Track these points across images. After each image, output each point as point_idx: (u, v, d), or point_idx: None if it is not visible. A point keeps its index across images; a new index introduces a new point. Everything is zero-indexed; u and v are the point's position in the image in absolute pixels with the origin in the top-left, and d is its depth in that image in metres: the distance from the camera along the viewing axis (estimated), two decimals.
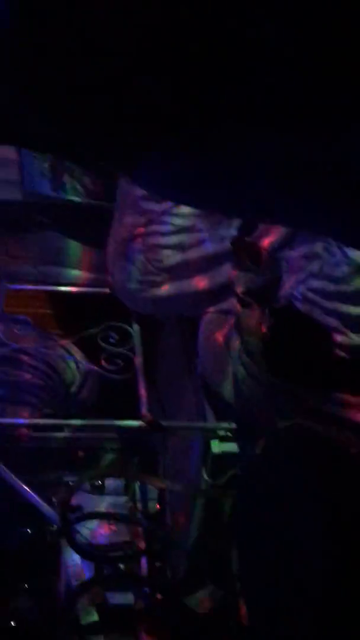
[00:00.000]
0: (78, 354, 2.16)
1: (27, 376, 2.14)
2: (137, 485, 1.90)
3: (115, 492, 2.07)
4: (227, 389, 1.72)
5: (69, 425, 1.78)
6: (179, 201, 1.02)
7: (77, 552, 1.58)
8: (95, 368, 1.87)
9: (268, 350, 1.38)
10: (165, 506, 2.05)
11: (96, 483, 2.07)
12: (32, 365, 2.15)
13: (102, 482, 2.07)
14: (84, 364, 2.11)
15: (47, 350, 2.10)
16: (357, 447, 1.29)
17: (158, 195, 1.20)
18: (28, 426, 1.69)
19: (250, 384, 1.45)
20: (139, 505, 1.90)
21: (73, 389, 2.21)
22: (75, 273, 2.31)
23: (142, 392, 1.76)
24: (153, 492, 1.98)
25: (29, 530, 1.80)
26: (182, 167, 0.59)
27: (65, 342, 2.08)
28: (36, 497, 1.67)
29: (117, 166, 0.73)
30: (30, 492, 1.67)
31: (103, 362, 1.86)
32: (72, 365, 2.19)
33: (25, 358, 2.10)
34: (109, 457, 2.00)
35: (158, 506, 2.03)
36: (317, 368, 1.33)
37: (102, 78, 0.55)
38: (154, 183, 0.67)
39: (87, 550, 1.61)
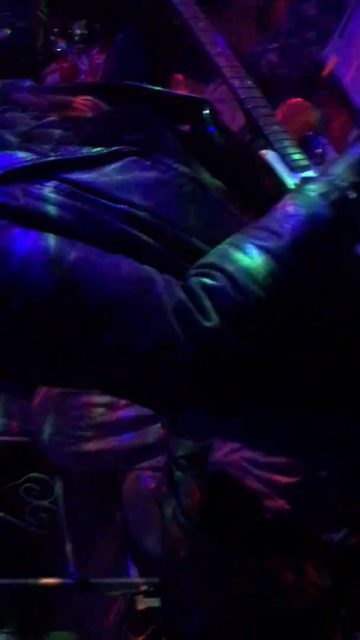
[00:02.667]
0: None
1: None
2: None
3: None
4: (154, 544, 1.80)
5: None
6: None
7: None
8: (19, 523, 1.87)
9: (204, 512, 1.50)
10: None
11: None
12: None
13: None
14: None
15: None
16: (293, 602, 1.41)
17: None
18: None
19: (186, 543, 1.55)
20: None
21: None
22: (3, 422, 2.34)
23: (68, 548, 1.79)
24: None
25: None
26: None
27: None
28: None
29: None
30: None
31: (27, 516, 1.88)
32: None
33: None
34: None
35: None
36: (249, 530, 1.47)
37: None
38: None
39: None
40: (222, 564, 1.52)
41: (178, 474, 1.62)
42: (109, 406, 1.87)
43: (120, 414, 1.86)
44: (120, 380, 0.76)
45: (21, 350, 0.74)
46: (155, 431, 1.82)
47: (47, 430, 1.97)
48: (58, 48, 2.18)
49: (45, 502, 1.93)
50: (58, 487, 2.00)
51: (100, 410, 1.87)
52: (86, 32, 2.22)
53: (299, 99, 1.47)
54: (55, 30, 2.41)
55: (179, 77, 1.49)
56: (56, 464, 2.01)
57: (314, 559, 1.32)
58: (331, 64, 1.59)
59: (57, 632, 1.75)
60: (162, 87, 0.98)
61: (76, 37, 2.31)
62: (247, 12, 1.58)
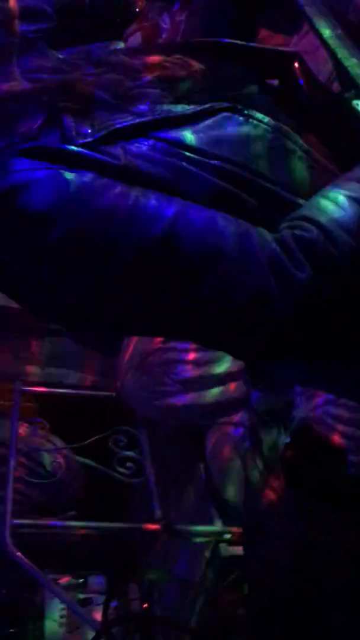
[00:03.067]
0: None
1: (16, 473, 2.22)
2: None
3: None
4: (234, 495, 1.86)
5: (83, 527, 1.88)
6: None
7: None
8: (111, 472, 1.98)
9: (287, 466, 1.55)
10: (153, 603, 2.14)
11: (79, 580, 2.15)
12: (23, 464, 2.24)
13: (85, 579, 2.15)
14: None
15: (44, 450, 2.20)
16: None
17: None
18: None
19: (267, 494, 1.60)
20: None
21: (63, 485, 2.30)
22: (80, 375, 2.45)
23: (155, 496, 1.89)
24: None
25: None
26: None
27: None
28: None
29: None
30: None
31: (115, 466, 1.98)
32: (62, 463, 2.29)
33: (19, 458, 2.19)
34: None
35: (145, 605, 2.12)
36: (333, 485, 1.50)
37: None
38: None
39: None
40: (303, 515, 1.56)
41: (262, 428, 1.67)
42: (193, 363, 1.92)
43: (204, 370, 1.91)
44: (218, 329, 0.80)
45: (124, 297, 0.78)
46: (238, 387, 1.87)
47: (134, 385, 2.05)
48: (137, 4, 2.17)
49: (132, 453, 2.03)
50: (144, 439, 2.09)
51: (184, 366, 1.93)
52: None
53: None
54: None
55: (261, 30, 1.47)
56: (142, 417, 2.10)
57: None
58: None
59: (152, 570, 1.86)
60: (249, 41, 0.98)
61: None
62: None
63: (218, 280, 0.75)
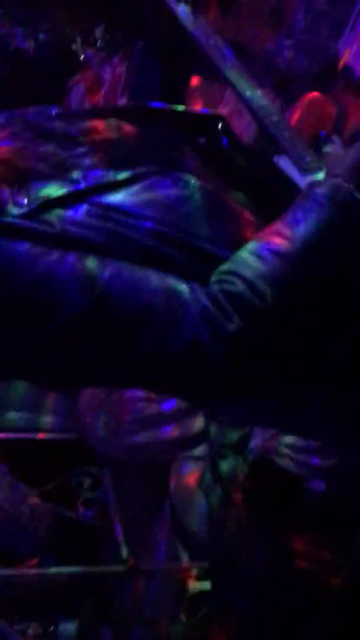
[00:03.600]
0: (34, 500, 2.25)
1: None
2: None
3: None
4: (200, 528, 1.87)
5: (51, 572, 1.86)
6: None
7: None
8: (75, 515, 1.97)
9: (247, 497, 1.57)
10: None
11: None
12: None
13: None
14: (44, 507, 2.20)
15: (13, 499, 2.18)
16: (330, 580, 1.47)
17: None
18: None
19: (231, 526, 1.62)
20: None
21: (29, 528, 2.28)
22: (40, 418, 2.44)
23: (120, 536, 1.88)
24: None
25: None
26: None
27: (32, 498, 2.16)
28: None
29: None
30: None
31: (80, 508, 1.97)
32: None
33: None
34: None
35: None
36: (291, 512, 1.54)
37: None
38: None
39: None
40: (266, 544, 1.59)
41: (221, 461, 1.70)
42: (151, 400, 1.95)
43: (162, 406, 1.94)
44: (159, 379, 0.84)
45: (67, 357, 0.82)
46: (197, 421, 1.89)
47: (96, 425, 2.06)
48: (81, 57, 2.25)
49: (95, 494, 2.03)
50: (107, 479, 2.09)
51: (143, 404, 1.95)
52: (108, 38, 2.27)
53: (317, 93, 1.51)
54: (77, 38, 2.47)
55: (196, 81, 1.54)
56: (105, 457, 2.10)
57: (350, 539, 1.38)
58: (345, 56, 1.62)
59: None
60: (179, 98, 1.05)
61: (98, 45, 2.37)
62: (259, 11, 1.62)
63: (153, 337, 0.79)
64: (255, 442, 1.65)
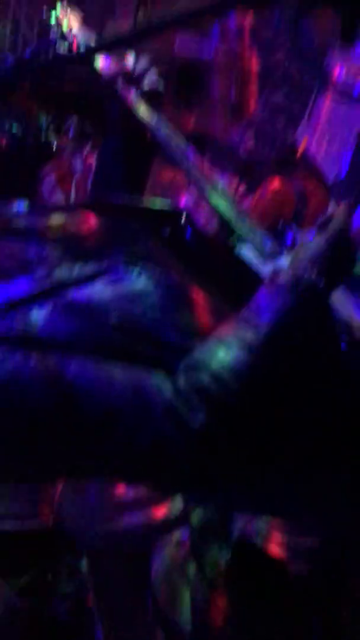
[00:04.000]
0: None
1: None
2: None
3: None
4: (184, 619, 1.81)
5: None
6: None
7: None
8: (52, 609, 1.89)
9: (230, 584, 1.53)
10: None
11: None
12: None
13: None
14: None
15: None
16: None
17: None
18: None
19: (215, 613, 1.57)
20: None
21: None
22: (11, 507, 2.36)
23: (100, 630, 1.80)
24: None
25: None
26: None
27: None
28: None
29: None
30: None
31: (57, 601, 1.89)
32: None
33: None
34: None
35: None
36: (277, 598, 1.49)
37: None
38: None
39: None
40: (252, 631, 1.53)
41: (202, 547, 1.66)
42: (127, 485, 1.91)
43: (138, 491, 1.90)
44: (129, 472, 0.83)
45: (38, 454, 0.81)
46: (176, 505, 1.86)
47: (72, 514, 2.01)
48: (52, 147, 2.34)
49: (72, 587, 1.95)
50: (86, 569, 2.02)
51: (120, 489, 1.91)
52: (79, 129, 2.36)
53: (278, 180, 1.58)
54: (49, 128, 2.56)
55: (167, 172, 1.60)
56: (83, 545, 2.04)
57: (339, 618, 1.34)
58: (303, 144, 1.70)
59: None
60: (143, 190, 1.08)
61: (69, 135, 2.46)
62: (221, 106, 1.71)
63: (119, 432, 0.79)
64: (236, 524, 1.62)
